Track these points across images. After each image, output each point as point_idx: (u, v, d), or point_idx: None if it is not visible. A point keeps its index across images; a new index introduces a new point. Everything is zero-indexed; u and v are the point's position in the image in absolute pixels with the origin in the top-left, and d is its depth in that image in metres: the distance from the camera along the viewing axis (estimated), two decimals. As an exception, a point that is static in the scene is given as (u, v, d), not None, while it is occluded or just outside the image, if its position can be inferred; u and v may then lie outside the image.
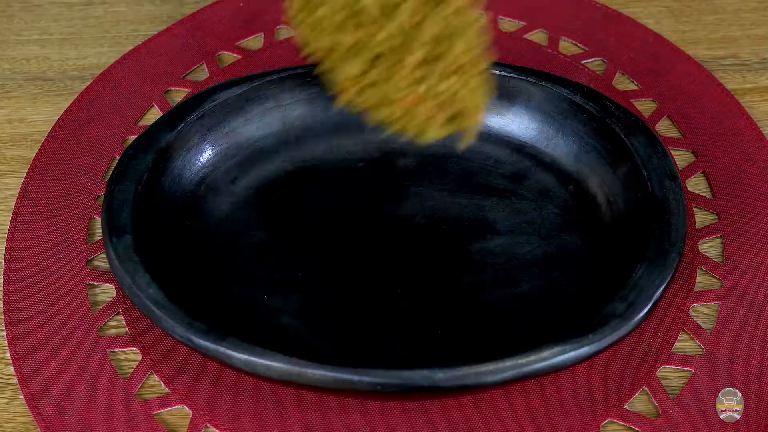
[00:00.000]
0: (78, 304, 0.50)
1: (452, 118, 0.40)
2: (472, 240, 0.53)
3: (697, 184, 0.56)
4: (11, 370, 0.48)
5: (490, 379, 0.43)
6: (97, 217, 0.54)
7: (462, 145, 0.41)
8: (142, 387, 0.47)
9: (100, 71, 0.63)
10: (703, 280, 0.52)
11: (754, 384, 0.47)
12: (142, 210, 0.49)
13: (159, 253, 0.49)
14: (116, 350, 0.49)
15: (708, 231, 0.54)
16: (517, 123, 0.56)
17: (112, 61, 0.64)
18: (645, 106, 0.61)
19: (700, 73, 0.62)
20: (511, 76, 0.56)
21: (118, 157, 0.56)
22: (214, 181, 0.54)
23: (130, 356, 0.49)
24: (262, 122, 0.56)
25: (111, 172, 0.52)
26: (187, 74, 0.63)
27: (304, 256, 0.52)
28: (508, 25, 0.66)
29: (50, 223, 0.54)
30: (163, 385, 0.47)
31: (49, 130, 0.59)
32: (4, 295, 0.51)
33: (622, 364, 0.48)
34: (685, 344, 0.49)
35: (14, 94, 0.62)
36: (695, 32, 0.66)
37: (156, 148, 0.52)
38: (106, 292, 0.51)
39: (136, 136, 0.54)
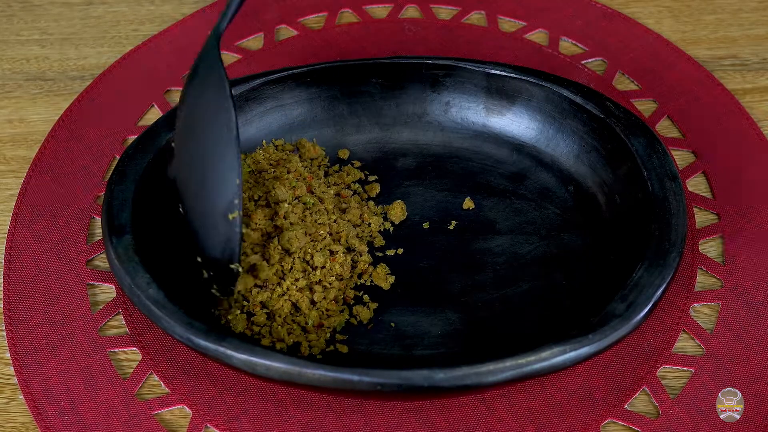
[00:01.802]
0: (78, 304, 0.50)
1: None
2: (472, 240, 0.53)
3: (697, 184, 0.56)
4: (11, 370, 0.48)
5: (490, 379, 0.42)
6: (97, 217, 0.54)
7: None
8: (142, 387, 0.48)
9: (100, 71, 0.63)
10: (703, 280, 0.52)
11: (754, 384, 0.47)
12: (142, 210, 0.49)
13: (159, 253, 0.49)
14: (116, 350, 0.49)
15: (708, 231, 0.54)
16: (517, 123, 0.56)
17: (112, 61, 0.64)
18: (645, 106, 0.61)
19: (700, 73, 0.62)
20: (511, 76, 0.56)
21: (118, 157, 0.56)
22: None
23: (130, 356, 0.49)
24: (262, 122, 0.56)
25: (111, 172, 0.52)
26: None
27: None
28: (508, 25, 0.66)
29: (50, 223, 0.54)
30: (163, 385, 0.47)
31: (49, 130, 0.59)
32: (4, 295, 0.51)
33: (622, 364, 0.48)
34: (685, 344, 0.49)
35: (14, 94, 0.62)
36: (695, 32, 0.66)
37: (156, 148, 0.52)
38: (106, 292, 0.51)
39: (136, 136, 0.54)
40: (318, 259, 0.49)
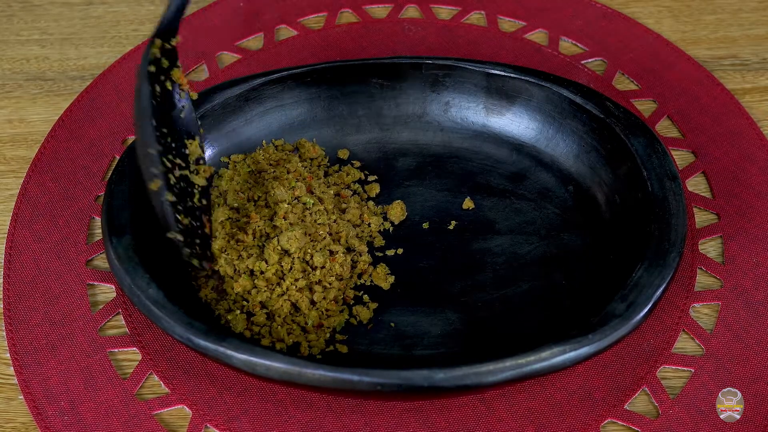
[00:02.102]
0: (78, 304, 0.50)
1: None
2: (472, 240, 0.53)
3: (697, 184, 0.56)
4: (11, 370, 0.48)
5: (490, 379, 0.42)
6: (97, 217, 0.54)
7: None
8: (142, 387, 0.47)
9: (100, 71, 0.63)
10: (703, 280, 0.52)
11: (754, 384, 0.47)
12: (142, 210, 0.49)
13: (159, 253, 0.49)
14: (116, 350, 0.49)
15: (708, 231, 0.54)
16: (517, 123, 0.56)
17: (112, 61, 0.64)
18: (645, 106, 0.61)
19: (700, 73, 0.62)
20: (511, 76, 0.56)
21: (118, 157, 0.56)
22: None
23: (130, 356, 0.49)
24: (262, 122, 0.56)
25: (111, 172, 0.52)
26: (188, 74, 0.63)
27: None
28: (508, 25, 0.66)
29: (50, 223, 0.54)
30: (163, 385, 0.47)
31: (49, 130, 0.59)
32: (4, 295, 0.51)
33: (622, 364, 0.48)
34: (685, 344, 0.49)
35: (14, 94, 0.62)
36: (695, 32, 0.66)
37: (156, 148, 0.52)
38: (106, 292, 0.51)
39: (136, 136, 0.54)
40: (318, 260, 0.49)
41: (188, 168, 0.48)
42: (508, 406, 0.47)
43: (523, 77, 0.56)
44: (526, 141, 0.56)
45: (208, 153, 0.55)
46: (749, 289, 0.51)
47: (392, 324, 0.49)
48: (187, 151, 0.48)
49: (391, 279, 0.51)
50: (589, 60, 0.63)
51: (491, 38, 0.65)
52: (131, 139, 0.58)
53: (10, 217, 0.54)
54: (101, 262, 0.52)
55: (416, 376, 0.42)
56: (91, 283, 0.51)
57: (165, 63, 0.47)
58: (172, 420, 0.46)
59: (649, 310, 0.45)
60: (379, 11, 0.67)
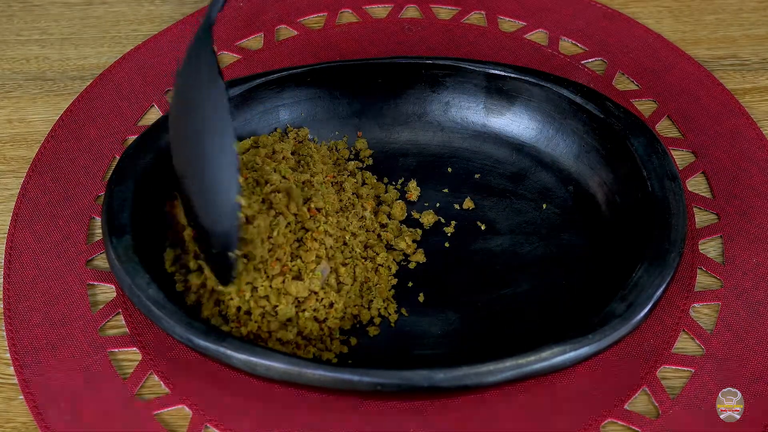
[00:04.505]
0: (78, 304, 0.50)
1: None
2: (472, 240, 0.53)
3: (697, 184, 0.56)
4: (11, 370, 0.48)
5: (490, 379, 0.43)
6: (97, 217, 0.54)
7: None
8: (142, 387, 0.47)
9: (100, 71, 0.63)
10: (703, 280, 0.52)
11: (754, 384, 0.47)
12: (142, 210, 0.49)
13: (159, 253, 0.49)
14: (116, 350, 0.49)
15: (708, 231, 0.54)
16: (517, 123, 0.56)
17: (112, 61, 0.64)
18: (645, 106, 0.61)
19: (700, 73, 0.62)
20: (511, 76, 0.56)
21: (118, 157, 0.56)
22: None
23: (130, 356, 0.49)
24: (262, 122, 0.56)
25: (111, 172, 0.53)
26: (187, 74, 0.63)
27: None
28: (508, 25, 0.66)
29: (50, 223, 0.54)
30: (163, 385, 0.47)
31: (49, 130, 0.59)
32: (4, 295, 0.51)
33: (622, 364, 0.48)
34: (685, 344, 0.49)
35: (14, 94, 0.62)
36: (695, 32, 0.66)
37: (156, 148, 0.52)
38: (106, 292, 0.51)
39: (136, 136, 0.54)
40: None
41: None
42: (508, 406, 0.47)
43: (523, 77, 0.56)
44: (526, 141, 0.56)
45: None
46: (749, 289, 0.51)
47: (392, 324, 0.49)
48: None
49: (394, 281, 0.51)
50: (589, 60, 0.63)
51: (491, 38, 0.65)
52: (131, 139, 0.58)
53: (10, 217, 0.54)
54: (101, 262, 0.52)
55: (416, 376, 0.42)
56: (91, 283, 0.51)
57: None
58: (172, 420, 0.46)
59: (649, 310, 0.45)
60: (379, 11, 0.67)
